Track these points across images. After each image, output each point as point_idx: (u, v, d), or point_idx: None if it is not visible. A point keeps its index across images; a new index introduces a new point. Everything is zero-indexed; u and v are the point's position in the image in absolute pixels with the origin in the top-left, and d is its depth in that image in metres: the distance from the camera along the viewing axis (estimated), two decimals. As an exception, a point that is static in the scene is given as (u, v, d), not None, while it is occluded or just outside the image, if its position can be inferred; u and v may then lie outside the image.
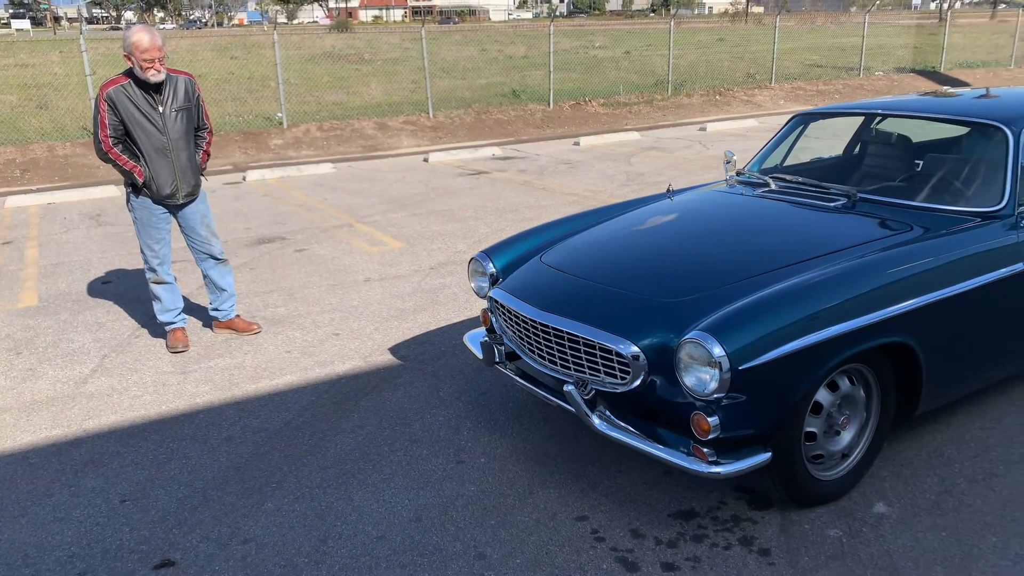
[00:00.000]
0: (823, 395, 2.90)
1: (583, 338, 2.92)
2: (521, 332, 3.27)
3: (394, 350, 4.65)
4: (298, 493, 3.21)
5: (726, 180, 4.36)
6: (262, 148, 12.86)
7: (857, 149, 4.58)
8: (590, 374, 2.97)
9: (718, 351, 2.56)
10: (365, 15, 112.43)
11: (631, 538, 2.87)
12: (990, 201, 3.38)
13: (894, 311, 2.84)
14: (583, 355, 2.96)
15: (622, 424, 2.88)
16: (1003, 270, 3.19)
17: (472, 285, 3.76)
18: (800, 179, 3.89)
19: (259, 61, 24.07)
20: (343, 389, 4.16)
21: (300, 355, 4.63)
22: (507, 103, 16.04)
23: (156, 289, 4.67)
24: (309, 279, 6.11)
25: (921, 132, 4.26)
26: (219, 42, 38.40)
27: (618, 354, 2.82)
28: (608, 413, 2.92)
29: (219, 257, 4.78)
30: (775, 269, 3.00)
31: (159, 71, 4.26)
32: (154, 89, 4.31)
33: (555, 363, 3.10)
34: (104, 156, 4.31)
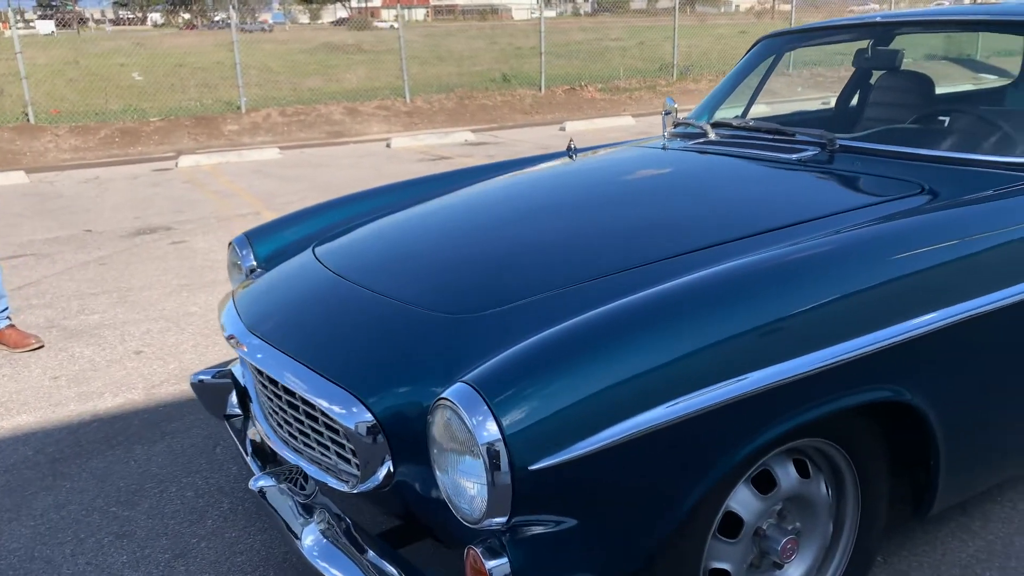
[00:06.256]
0: (744, 500, 1.52)
1: (294, 389, 1.57)
2: (245, 369, 1.93)
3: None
4: None
5: (663, 135, 3.01)
6: (214, 134, 11.67)
7: (857, 96, 3.19)
8: (320, 454, 1.62)
9: (488, 430, 1.20)
10: (388, 14, 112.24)
11: None
12: (1061, 147, 1.97)
13: (882, 342, 1.46)
14: (304, 419, 1.62)
15: (356, 553, 1.52)
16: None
17: (232, 283, 2.43)
18: (752, 124, 2.51)
19: (257, 53, 23.05)
20: (85, 438, 2.86)
21: (67, 383, 3.33)
22: (495, 88, 14.72)
23: None
24: (160, 278, 4.82)
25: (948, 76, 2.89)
26: (226, 38, 37.46)
27: (336, 423, 1.47)
28: (345, 527, 1.57)
29: (-31, 247, 3.50)
30: (664, 259, 1.63)
31: None
32: None
33: (279, 429, 1.76)
34: None
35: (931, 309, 1.51)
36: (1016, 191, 1.85)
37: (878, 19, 2.60)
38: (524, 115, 13.46)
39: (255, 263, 2.28)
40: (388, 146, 10.54)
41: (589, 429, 1.23)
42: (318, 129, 12.14)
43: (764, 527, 1.57)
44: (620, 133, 11.00)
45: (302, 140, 11.55)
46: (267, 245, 2.31)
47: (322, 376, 1.51)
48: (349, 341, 1.61)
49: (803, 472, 1.59)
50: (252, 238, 2.35)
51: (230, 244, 2.39)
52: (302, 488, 1.59)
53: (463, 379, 1.28)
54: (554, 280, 1.63)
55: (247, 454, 1.89)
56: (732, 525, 1.52)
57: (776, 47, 3.02)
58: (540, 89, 14.34)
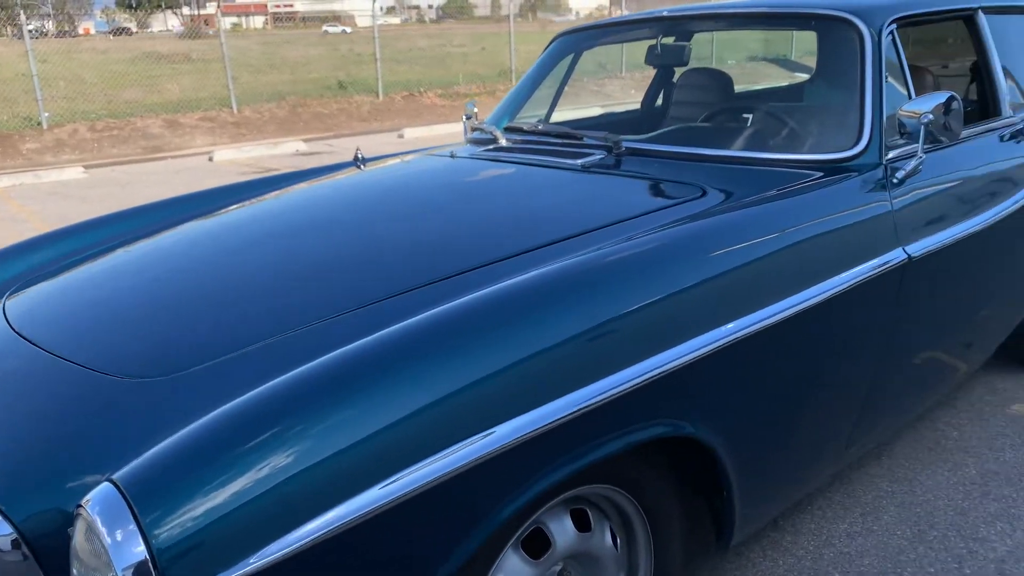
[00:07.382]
0: (513, 568, 1.29)
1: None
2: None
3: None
4: None
5: (464, 142, 2.82)
6: (9, 154, 10.48)
7: (660, 97, 3.14)
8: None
9: (134, 549, 0.90)
10: (224, 23, 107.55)
11: None
12: (838, 142, 1.90)
13: (649, 372, 1.28)
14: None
15: None
16: (868, 264, 1.70)
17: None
18: (541, 128, 2.33)
19: (70, 63, 21.15)
20: None
21: None
22: (331, 96, 14.19)
23: None
24: (-91, 326, 4.10)
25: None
26: (37, 47, 34.25)
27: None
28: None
29: None
30: (405, 292, 1.37)
31: None
32: None
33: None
34: None
35: (704, 330, 1.34)
36: (798, 190, 1.75)
37: (665, 14, 2.49)
38: (362, 123, 13.04)
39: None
40: (211, 159, 9.84)
41: (279, 530, 0.95)
42: (133, 144, 11.18)
43: (541, 594, 1.35)
44: (460, 138, 10.85)
45: (114, 157, 10.58)
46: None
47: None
48: (7, 424, 1.25)
49: (583, 524, 1.39)
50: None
51: (-85, 293, 1.92)
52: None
53: (110, 477, 0.97)
54: (279, 323, 1.34)
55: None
56: (500, 600, 1.29)
57: (572, 45, 2.87)
58: (378, 96, 13.97)
